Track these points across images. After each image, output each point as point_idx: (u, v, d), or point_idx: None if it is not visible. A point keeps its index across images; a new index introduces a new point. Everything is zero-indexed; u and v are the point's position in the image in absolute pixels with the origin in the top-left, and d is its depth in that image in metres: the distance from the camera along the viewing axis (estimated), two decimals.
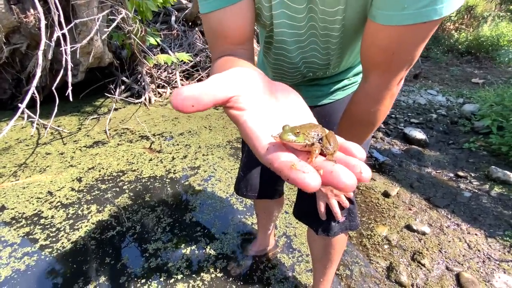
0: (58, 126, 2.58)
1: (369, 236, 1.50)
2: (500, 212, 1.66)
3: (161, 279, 1.23)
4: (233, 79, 0.31)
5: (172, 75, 3.56)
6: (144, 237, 1.45)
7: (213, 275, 1.25)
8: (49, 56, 2.21)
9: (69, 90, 2.01)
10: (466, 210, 1.69)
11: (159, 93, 3.40)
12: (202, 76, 3.78)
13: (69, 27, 2.17)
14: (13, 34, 2.51)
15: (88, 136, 2.49)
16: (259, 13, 0.56)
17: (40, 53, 2.01)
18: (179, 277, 1.24)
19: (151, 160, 2.13)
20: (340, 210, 0.77)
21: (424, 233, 1.51)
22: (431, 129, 2.78)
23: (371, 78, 0.53)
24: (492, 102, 2.73)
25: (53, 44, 2.11)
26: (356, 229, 0.92)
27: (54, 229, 1.49)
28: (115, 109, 2.97)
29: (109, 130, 2.56)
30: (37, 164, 2.06)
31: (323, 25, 0.54)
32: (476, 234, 1.52)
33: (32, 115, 2.08)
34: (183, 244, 1.41)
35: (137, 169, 2.02)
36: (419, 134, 2.49)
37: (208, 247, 1.39)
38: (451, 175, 2.04)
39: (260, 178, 1.01)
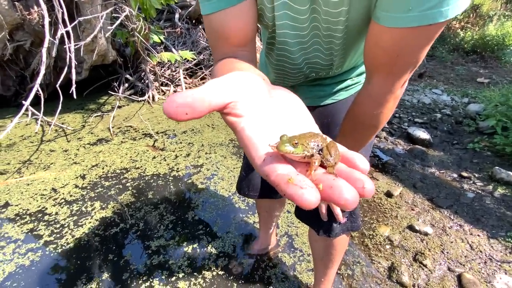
0: (62, 124, 2.59)
1: (371, 236, 1.50)
2: (503, 213, 1.65)
3: (163, 276, 1.24)
4: (231, 84, 0.30)
5: (176, 73, 3.56)
6: (147, 234, 1.46)
7: (214, 273, 1.26)
8: (53, 54, 2.22)
9: (73, 88, 2.02)
10: (469, 210, 1.68)
11: (162, 91, 3.40)
12: (205, 74, 3.78)
13: (73, 24, 2.18)
14: (16, 31, 2.52)
15: (92, 133, 2.50)
16: (262, 14, 0.56)
17: (44, 50, 2.03)
18: (181, 274, 1.25)
19: (154, 158, 2.14)
20: (341, 212, 0.77)
21: (426, 234, 1.50)
22: (435, 129, 2.76)
23: (374, 80, 0.52)
24: (497, 102, 2.70)
25: (57, 41, 2.12)
26: (358, 230, 0.92)
27: (58, 226, 1.50)
28: (119, 107, 2.99)
29: (112, 127, 2.57)
30: (41, 161, 2.08)
31: (326, 26, 0.53)
32: (478, 235, 1.51)
33: (36, 112, 2.09)
34: (185, 242, 1.42)
35: (141, 166, 2.03)
36: (423, 134, 2.48)
37: (210, 245, 1.40)
38: (455, 175, 2.03)
39: (262, 177, 1.01)
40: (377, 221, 1.60)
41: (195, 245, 1.40)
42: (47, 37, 2.05)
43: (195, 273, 1.26)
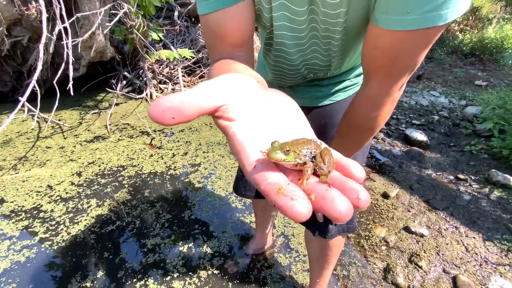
0: (59, 120, 2.58)
1: (367, 237, 1.50)
2: (499, 215, 1.66)
3: (158, 275, 1.24)
4: (223, 86, 0.29)
5: (174, 71, 3.55)
6: (143, 232, 1.46)
7: (210, 273, 1.26)
8: (51, 50, 2.21)
9: (70, 84, 2.01)
10: (465, 213, 1.68)
11: (160, 89, 3.39)
12: (204, 73, 3.77)
13: (70, 20, 2.17)
14: (14, 26, 2.50)
15: (88, 130, 2.49)
16: (260, 14, 0.55)
17: (41, 46, 2.01)
18: (176, 274, 1.25)
19: (151, 156, 2.13)
20: None
21: (422, 235, 1.51)
22: (432, 131, 2.77)
23: (372, 82, 0.52)
24: (495, 105, 2.72)
25: (54, 37, 2.10)
26: (354, 231, 0.92)
27: (53, 223, 1.49)
28: (116, 104, 2.97)
29: (109, 125, 2.56)
30: (37, 157, 2.07)
31: (325, 27, 0.53)
32: (474, 237, 1.52)
33: (32, 108, 2.08)
34: (181, 241, 1.41)
35: (138, 164, 2.02)
36: (420, 136, 2.48)
37: (206, 244, 1.40)
38: (451, 177, 2.04)
39: None
40: (373, 222, 1.61)
41: (191, 244, 1.39)
42: (45, 33, 2.03)
43: (190, 272, 1.25)
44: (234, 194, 1.72)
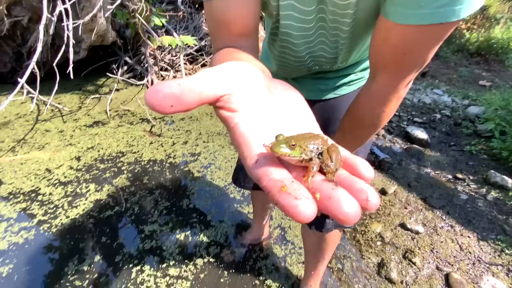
0: (59, 104, 2.55)
1: (363, 232, 1.52)
2: (494, 216, 1.67)
3: (155, 261, 1.25)
4: (226, 74, 0.27)
5: (176, 58, 3.50)
6: (140, 218, 1.46)
7: (205, 260, 1.27)
8: (51, 31, 2.16)
9: (70, 68, 1.98)
10: (461, 212, 1.70)
11: (161, 76, 3.35)
12: (206, 61, 3.72)
13: (71, 1, 2.12)
14: (14, 6, 2.45)
15: (88, 115, 2.47)
16: (266, 2, 0.53)
17: (41, 27, 1.97)
18: (172, 260, 1.26)
19: (151, 143, 2.12)
20: None
21: (417, 232, 1.52)
22: (433, 129, 2.76)
23: (378, 78, 0.50)
24: (498, 106, 2.70)
25: (55, 18, 2.06)
26: (351, 227, 0.92)
27: (52, 206, 1.50)
28: (117, 90, 2.94)
29: (109, 110, 2.54)
30: (36, 140, 2.06)
31: (333, 17, 0.51)
32: (468, 237, 1.53)
33: (31, 90, 2.05)
34: (179, 229, 1.42)
35: (137, 151, 2.01)
36: (421, 134, 2.48)
37: (203, 233, 1.41)
38: (450, 176, 2.04)
39: None
40: (370, 218, 1.62)
41: (188, 232, 1.40)
42: (45, 13, 1.99)
43: (186, 260, 1.27)
44: (233, 184, 1.73)
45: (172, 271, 1.21)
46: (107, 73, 3.00)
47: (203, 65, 3.73)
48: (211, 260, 1.28)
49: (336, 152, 0.24)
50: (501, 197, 1.82)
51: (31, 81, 2.06)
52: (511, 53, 5.24)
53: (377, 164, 2.13)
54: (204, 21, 3.84)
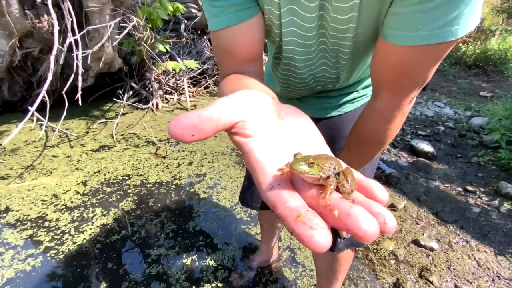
0: (66, 129, 2.61)
1: (375, 250, 1.47)
2: (510, 229, 1.61)
3: (162, 287, 1.21)
4: (240, 102, 0.29)
5: (180, 82, 3.60)
6: (147, 242, 1.44)
7: (213, 285, 1.23)
8: (61, 61, 2.26)
9: (79, 95, 2.04)
10: (475, 226, 1.65)
11: (166, 99, 3.43)
12: (208, 84, 3.82)
13: (81, 33, 2.23)
14: (26, 38, 2.58)
15: (95, 140, 2.51)
16: (269, 30, 0.56)
17: (52, 57, 2.06)
18: (180, 285, 1.22)
19: (157, 165, 2.13)
20: None
21: (432, 249, 1.47)
22: (438, 142, 2.75)
23: (381, 96, 0.51)
24: (501, 116, 2.69)
25: (65, 49, 2.15)
26: (363, 246, 0.90)
27: (58, 232, 1.49)
28: (123, 114, 3.01)
29: (115, 134, 2.58)
30: (43, 166, 2.08)
31: (334, 41, 0.53)
32: (485, 251, 1.48)
33: (41, 118, 2.11)
34: (186, 252, 1.39)
35: (143, 174, 2.02)
36: (426, 147, 2.46)
37: (210, 256, 1.38)
38: (460, 189, 2.00)
39: None
40: (381, 235, 1.57)
41: (195, 256, 1.37)
42: (56, 44, 2.09)
43: (194, 285, 1.23)
44: (240, 205, 1.71)
45: None
46: (113, 98, 3.09)
47: (206, 87, 3.83)
48: (219, 284, 1.24)
49: (351, 174, 0.24)
50: None
51: (40, 109, 2.13)
52: (510, 63, 5.30)
53: (384, 179, 2.11)
54: (206, 46, 3.99)
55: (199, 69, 3.62)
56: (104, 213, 1.64)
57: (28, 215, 1.60)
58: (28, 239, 1.44)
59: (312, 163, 0.23)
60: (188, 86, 3.58)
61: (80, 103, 2.04)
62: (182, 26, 3.91)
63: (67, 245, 1.41)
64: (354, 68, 0.64)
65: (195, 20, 3.96)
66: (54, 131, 2.49)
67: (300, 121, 0.34)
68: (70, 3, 2.27)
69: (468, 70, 5.57)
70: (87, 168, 2.07)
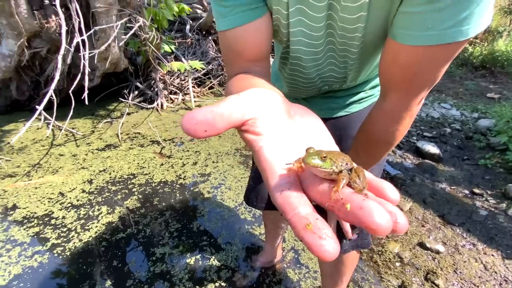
0: (73, 128, 2.64)
1: (380, 253, 1.46)
2: None
3: (165, 286, 1.22)
4: (251, 100, 0.29)
5: (185, 82, 3.62)
6: (151, 241, 1.45)
7: (217, 285, 1.23)
8: (68, 61, 2.29)
9: (85, 94, 2.06)
10: (482, 229, 1.62)
11: (171, 99, 3.45)
12: (213, 84, 3.83)
13: (88, 33, 2.25)
14: (34, 38, 2.61)
15: (100, 139, 2.54)
16: (277, 30, 0.56)
17: (59, 57, 2.09)
18: (184, 284, 1.23)
19: (162, 165, 2.15)
20: (351, 228, 0.75)
21: (438, 252, 1.45)
22: (444, 144, 2.72)
23: (390, 96, 0.51)
24: (509, 118, 2.66)
25: (72, 49, 2.18)
26: (368, 247, 0.89)
27: (65, 229, 1.50)
28: (128, 114, 3.03)
29: (121, 134, 2.60)
30: (50, 165, 2.11)
31: (342, 41, 0.53)
32: (492, 255, 1.45)
33: (48, 117, 2.14)
34: (189, 252, 1.40)
35: (148, 173, 2.03)
36: (432, 148, 2.44)
37: (214, 256, 1.38)
38: (466, 191, 1.98)
39: None
40: (386, 237, 1.56)
41: (198, 256, 1.38)
42: (63, 44, 2.12)
43: (197, 285, 1.23)
44: (244, 205, 1.71)
45: None
46: (119, 98, 3.11)
47: (210, 88, 3.84)
48: (223, 284, 1.24)
49: (362, 173, 0.24)
50: None
51: (47, 108, 2.15)
52: None
53: (389, 180, 2.09)
54: (211, 46, 4.00)
55: (203, 69, 3.63)
56: (109, 211, 1.65)
57: (35, 212, 1.62)
58: (35, 236, 1.46)
59: (325, 157, 0.23)
60: (193, 86, 3.60)
61: (86, 102, 2.06)
62: (187, 27, 3.93)
63: (73, 243, 1.42)
64: (362, 68, 0.64)
65: (200, 20, 3.98)
66: (60, 130, 2.52)
67: (309, 121, 0.34)
68: (78, 4, 2.30)
69: (475, 71, 5.50)
70: (92, 167, 2.09)
